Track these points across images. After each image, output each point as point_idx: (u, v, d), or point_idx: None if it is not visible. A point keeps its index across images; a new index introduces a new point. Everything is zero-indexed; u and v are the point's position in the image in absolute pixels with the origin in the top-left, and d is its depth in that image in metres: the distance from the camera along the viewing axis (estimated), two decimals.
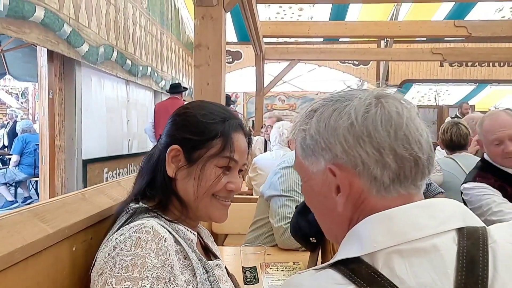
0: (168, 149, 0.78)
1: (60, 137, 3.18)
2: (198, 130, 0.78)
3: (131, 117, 4.73)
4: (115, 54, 3.74)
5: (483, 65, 7.94)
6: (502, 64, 8.05)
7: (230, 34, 7.30)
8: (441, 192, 2.03)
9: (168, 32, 5.81)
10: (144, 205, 0.77)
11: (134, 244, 0.64)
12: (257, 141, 3.76)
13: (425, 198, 1.54)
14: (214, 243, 0.97)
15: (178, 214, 0.78)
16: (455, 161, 2.24)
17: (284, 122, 2.94)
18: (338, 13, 6.34)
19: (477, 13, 5.90)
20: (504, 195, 1.52)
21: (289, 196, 1.64)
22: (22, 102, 9.45)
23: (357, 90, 0.57)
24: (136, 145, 4.82)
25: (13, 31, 2.28)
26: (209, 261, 0.79)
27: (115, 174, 4.06)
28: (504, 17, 6.22)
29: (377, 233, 0.49)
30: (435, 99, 8.91)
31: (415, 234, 0.48)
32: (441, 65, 7.72)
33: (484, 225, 0.52)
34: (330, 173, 0.54)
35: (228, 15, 6.39)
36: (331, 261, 0.51)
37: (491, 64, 7.96)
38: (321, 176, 0.56)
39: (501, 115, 1.56)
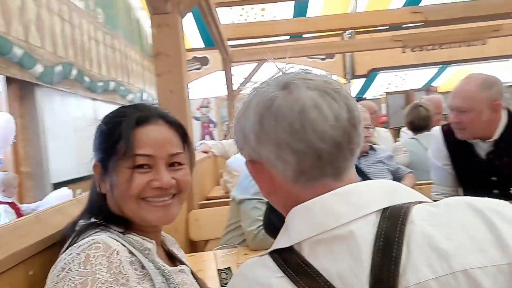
0: (92, 168, 0.78)
1: (26, 162, 3.07)
2: (102, 139, 0.78)
3: None
4: (74, 72, 3.65)
5: (443, 47, 8.22)
6: (460, 44, 8.36)
7: (197, 40, 7.26)
8: (410, 172, 2.09)
9: (132, 44, 5.73)
10: (94, 220, 0.76)
11: (83, 261, 0.62)
12: (231, 144, 3.75)
13: (395, 180, 1.56)
14: (180, 249, 0.96)
15: (125, 225, 0.76)
16: (418, 141, 2.33)
17: None
18: (300, 10, 6.42)
19: None
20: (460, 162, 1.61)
21: (259, 199, 1.64)
22: None
23: (271, 79, 0.58)
24: None
25: None
26: (170, 268, 0.77)
27: None
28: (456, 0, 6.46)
29: (300, 224, 0.51)
30: (402, 84, 9.15)
31: (332, 223, 0.49)
32: (404, 52, 7.95)
33: (419, 199, 0.53)
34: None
35: (193, 21, 6.34)
36: (271, 248, 0.53)
37: (450, 45, 8.25)
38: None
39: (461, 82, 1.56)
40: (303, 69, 0.59)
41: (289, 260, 0.49)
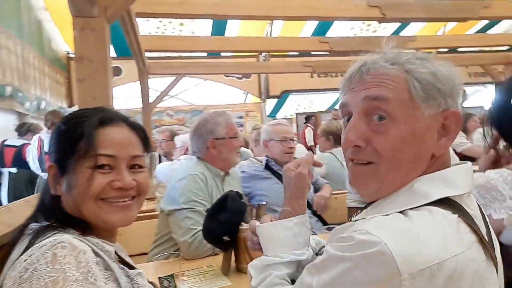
0: (47, 169, 0.75)
1: None
2: (61, 139, 0.76)
3: None
4: None
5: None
6: None
7: None
8: (327, 183, 2.31)
9: (30, 47, 5.14)
10: (46, 223, 0.72)
11: (50, 260, 0.59)
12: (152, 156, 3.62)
13: (314, 190, 1.86)
14: (128, 256, 0.94)
15: (83, 228, 0.74)
16: (334, 155, 2.59)
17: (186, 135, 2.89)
18: (219, 29, 6.59)
19: (336, 30, 6.86)
20: None
21: (190, 208, 1.62)
22: None
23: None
24: None
25: None
26: (130, 270, 0.77)
27: None
28: (356, 34, 7.38)
29: (467, 179, 0.63)
30: (309, 106, 9.95)
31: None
32: (311, 76, 8.70)
33: None
34: (445, 118, 0.63)
35: None
36: (427, 201, 0.59)
37: None
38: (431, 120, 0.62)
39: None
40: None
41: (458, 208, 0.59)
